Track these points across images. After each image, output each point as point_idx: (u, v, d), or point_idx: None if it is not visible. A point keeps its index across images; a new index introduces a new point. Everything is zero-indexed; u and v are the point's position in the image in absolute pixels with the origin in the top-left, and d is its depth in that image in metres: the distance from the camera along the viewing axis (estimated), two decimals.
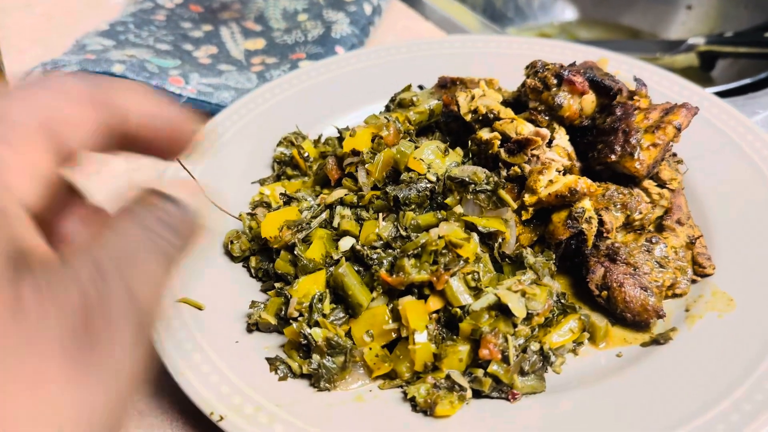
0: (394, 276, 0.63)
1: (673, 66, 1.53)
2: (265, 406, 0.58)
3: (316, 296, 0.63)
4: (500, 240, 0.66)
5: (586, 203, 0.67)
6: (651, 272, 0.67)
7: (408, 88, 0.86)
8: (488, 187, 0.67)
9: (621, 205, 0.70)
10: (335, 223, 0.70)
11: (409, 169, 0.71)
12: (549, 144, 0.72)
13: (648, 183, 0.73)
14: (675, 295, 0.69)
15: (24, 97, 0.35)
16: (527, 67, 0.78)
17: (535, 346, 0.61)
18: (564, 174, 0.69)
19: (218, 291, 0.69)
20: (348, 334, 0.63)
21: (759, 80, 1.16)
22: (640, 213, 0.70)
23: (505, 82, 0.87)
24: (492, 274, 0.64)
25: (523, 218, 0.68)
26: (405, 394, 0.60)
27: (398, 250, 0.65)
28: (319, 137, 0.87)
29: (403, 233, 0.66)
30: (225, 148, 0.85)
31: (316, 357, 0.61)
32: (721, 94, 1.13)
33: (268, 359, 0.63)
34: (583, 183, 0.66)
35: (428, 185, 0.69)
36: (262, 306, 0.66)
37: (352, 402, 0.60)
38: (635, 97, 0.76)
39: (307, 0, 1.17)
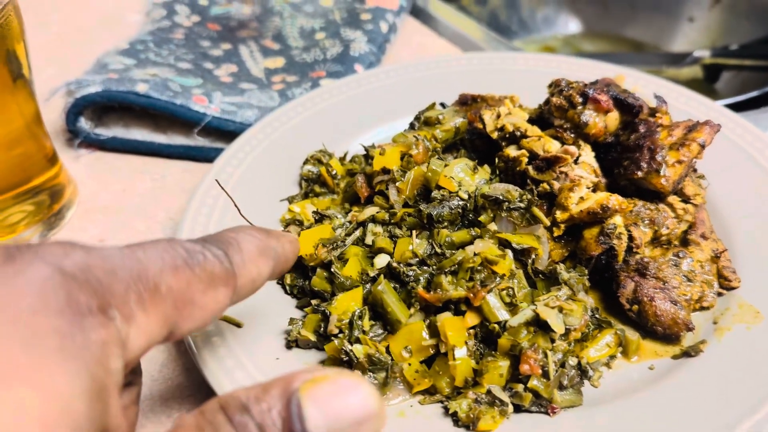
0: (432, 293, 0.64)
1: (678, 78, 1.55)
2: None
3: (356, 313, 0.65)
4: (533, 256, 0.67)
5: (618, 219, 0.69)
6: (679, 286, 0.69)
7: (432, 106, 0.88)
8: (522, 205, 0.69)
9: (649, 220, 0.72)
10: (368, 241, 0.72)
11: (440, 187, 0.72)
12: (576, 161, 0.74)
13: (673, 198, 0.74)
14: (702, 308, 0.70)
15: (174, 265, 0.40)
16: (550, 86, 0.80)
17: (573, 361, 0.62)
18: (594, 191, 0.71)
19: (255, 308, 0.70)
20: (387, 350, 0.64)
21: (766, 93, 1.18)
22: (667, 228, 0.72)
23: (523, 98, 0.89)
24: (526, 290, 0.66)
25: (555, 234, 0.70)
26: (446, 409, 0.61)
27: (434, 266, 0.66)
28: (345, 155, 0.89)
29: (438, 250, 0.67)
30: (252, 167, 0.86)
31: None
32: (730, 108, 1.15)
33: None
34: (615, 200, 0.67)
35: (460, 203, 0.70)
36: (301, 323, 0.67)
37: (394, 417, 0.61)
38: (657, 114, 0.78)
39: (324, 18, 1.19)
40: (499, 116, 0.79)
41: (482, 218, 0.69)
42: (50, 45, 1.29)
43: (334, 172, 0.84)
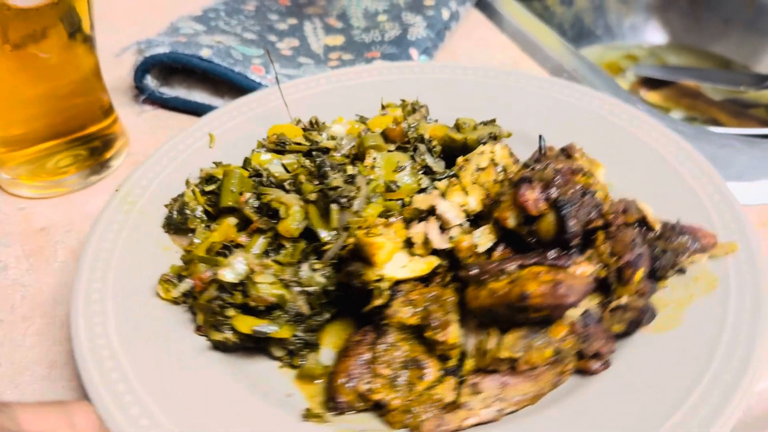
0: None
1: (759, 101, 1.49)
2: None
3: None
4: None
5: (382, 272, 0.65)
6: (379, 374, 0.64)
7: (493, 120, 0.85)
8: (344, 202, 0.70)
9: (424, 310, 0.65)
10: None
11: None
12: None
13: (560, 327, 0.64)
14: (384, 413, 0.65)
15: None
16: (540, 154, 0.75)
17: None
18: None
19: None
20: None
21: None
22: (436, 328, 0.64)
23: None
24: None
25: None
26: None
27: None
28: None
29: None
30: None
31: None
32: None
33: None
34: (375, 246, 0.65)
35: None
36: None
37: None
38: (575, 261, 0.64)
39: (388, 1, 1.22)
40: None
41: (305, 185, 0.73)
42: (134, 7, 1.37)
43: None
